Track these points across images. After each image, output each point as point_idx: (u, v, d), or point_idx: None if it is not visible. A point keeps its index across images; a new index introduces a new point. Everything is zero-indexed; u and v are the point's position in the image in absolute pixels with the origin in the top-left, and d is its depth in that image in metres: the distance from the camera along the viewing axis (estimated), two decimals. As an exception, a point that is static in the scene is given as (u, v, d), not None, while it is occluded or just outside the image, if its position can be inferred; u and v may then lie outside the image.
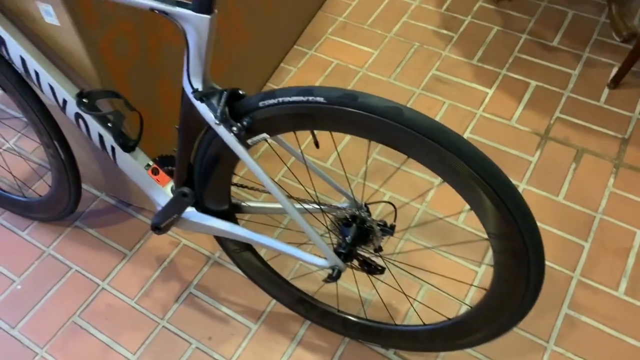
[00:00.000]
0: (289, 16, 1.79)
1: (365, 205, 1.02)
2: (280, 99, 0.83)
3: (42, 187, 1.54)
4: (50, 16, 0.97)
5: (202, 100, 0.87)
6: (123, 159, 1.06)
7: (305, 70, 1.80)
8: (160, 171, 1.09)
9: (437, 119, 1.64)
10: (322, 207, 1.04)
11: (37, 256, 1.41)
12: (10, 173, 1.57)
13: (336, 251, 1.00)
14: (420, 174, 1.52)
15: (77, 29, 0.98)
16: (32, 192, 1.53)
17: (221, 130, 0.87)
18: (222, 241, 1.19)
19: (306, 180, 1.50)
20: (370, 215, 1.00)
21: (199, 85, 0.86)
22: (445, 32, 1.88)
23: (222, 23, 1.41)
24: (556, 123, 1.61)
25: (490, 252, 1.37)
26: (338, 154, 1.57)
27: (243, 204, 1.13)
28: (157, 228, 1.11)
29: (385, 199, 1.47)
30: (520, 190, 1.47)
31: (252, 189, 1.10)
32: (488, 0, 1.97)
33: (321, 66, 1.81)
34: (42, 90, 1.03)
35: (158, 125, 1.29)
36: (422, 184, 1.50)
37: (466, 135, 1.59)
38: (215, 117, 0.86)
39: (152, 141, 1.26)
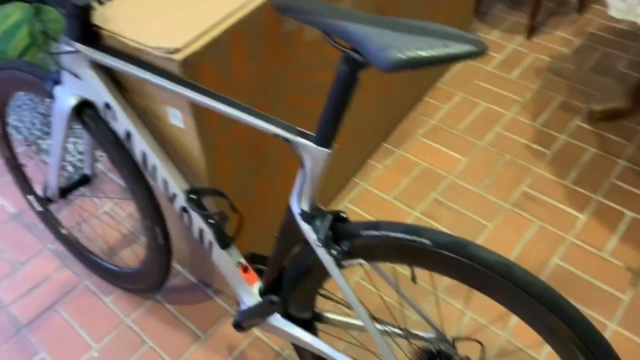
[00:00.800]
0: (381, 114, 1.84)
1: (453, 340, 0.99)
2: (384, 233, 0.84)
3: (129, 255, 1.61)
4: (177, 119, 1.05)
5: (307, 222, 0.89)
6: (218, 254, 1.10)
7: (393, 169, 1.83)
8: (250, 269, 1.12)
9: (525, 239, 1.60)
10: (407, 335, 1.02)
11: (115, 325, 1.45)
12: (103, 239, 1.66)
13: (418, 386, 0.97)
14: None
15: (199, 133, 1.05)
16: (119, 259, 1.60)
17: (320, 251, 0.89)
18: (299, 348, 1.19)
19: (384, 288, 1.48)
20: (456, 351, 0.97)
21: (306, 207, 0.89)
22: (538, 147, 1.86)
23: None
24: (653, 261, 1.53)
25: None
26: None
27: (325, 314, 1.13)
28: (239, 326, 1.13)
29: (466, 319, 1.43)
30: (608, 331, 1.39)
31: (337, 302, 1.11)
32: (585, 119, 1.95)
33: (409, 167, 1.83)
34: (155, 182, 1.10)
35: (252, 222, 1.33)
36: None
37: (554, 262, 1.54)
38: (318, 239, 0.88)
39: (243, 236, 1.30)
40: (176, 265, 1.58)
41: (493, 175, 1.79)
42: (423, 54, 0.62)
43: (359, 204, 1.72)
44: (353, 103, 1.58)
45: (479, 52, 0.63)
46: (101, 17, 1.00)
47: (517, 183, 1.76)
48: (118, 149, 1.11)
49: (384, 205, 1.71)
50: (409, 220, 1.67)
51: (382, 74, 1.66)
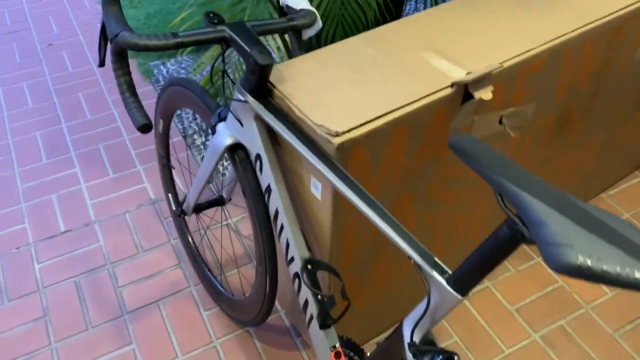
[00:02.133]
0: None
1: None
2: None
3: (237, 281, 1.64)
4: (316, 190, 1.03)
5: (414, 355, 0.82)
6: (315, 331, 1.07)
7: (524, 276, 1.67)
8: (342, 356, 1.07)
9: (655, 413, 1.37)
10: None
11: (204, 343, 1.49)
12: (219, 255, 1.71)
13: None
14: None
15: (333, 209, 1.02)
16: (227, 281, 1.64)
17: (418, 388, 0.82)
18: None
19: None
20: None
21: (418, 339, 0.82)
22: (703, 308, 1.59)
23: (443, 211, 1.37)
24: None
25: None
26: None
27: None
28: (313, 409, 1.08)
29: None
30: None
31: None
32: None
33: (543, 280, 1.66)
34: (278, 240, 1.09)
35: (354, 303, 1.28)
36: None
37: None
38: (421, 380, 0.81)
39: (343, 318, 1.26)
40: (276, 304, 1.58)
41: (637, 323, 1.56)
42: (605, 268, 0.52)
43: (476, 304, 1.59)
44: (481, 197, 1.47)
45: (677, 293, 0.52)
46: (278, 76, 1.01)
47: (665, 342, 1.52)
48: (256, 196, 1.12)
49: (503, 315, 1.57)
50: (525, 342, 1.51)
51: (546, 159, 1.52)
